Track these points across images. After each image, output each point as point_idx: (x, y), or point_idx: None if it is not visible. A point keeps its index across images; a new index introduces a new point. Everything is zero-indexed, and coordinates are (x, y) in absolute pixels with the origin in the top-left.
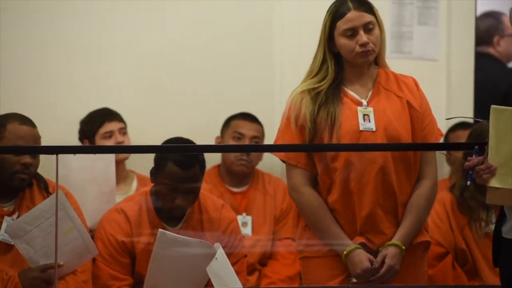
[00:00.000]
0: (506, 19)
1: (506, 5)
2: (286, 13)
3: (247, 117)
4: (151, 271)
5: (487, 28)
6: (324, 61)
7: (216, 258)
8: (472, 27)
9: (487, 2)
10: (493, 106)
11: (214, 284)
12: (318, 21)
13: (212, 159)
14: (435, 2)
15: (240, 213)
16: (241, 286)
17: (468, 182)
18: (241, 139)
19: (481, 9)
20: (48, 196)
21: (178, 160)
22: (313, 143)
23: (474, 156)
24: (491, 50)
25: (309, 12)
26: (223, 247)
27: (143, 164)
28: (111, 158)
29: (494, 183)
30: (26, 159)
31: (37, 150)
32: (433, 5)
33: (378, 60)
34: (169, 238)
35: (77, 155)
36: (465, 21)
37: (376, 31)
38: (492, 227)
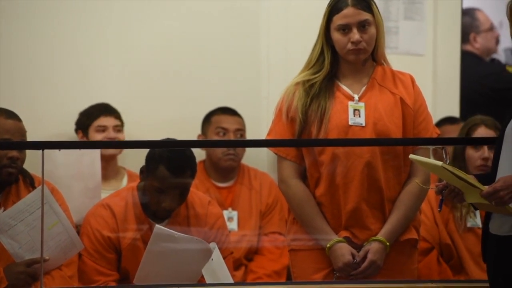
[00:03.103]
0: (481, 15)
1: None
2: (273, 9)
3: (227, 111)
4: (144, 264)
5: (462, 26)
6: (321, 52)
7: (212, 259)
8: (458, 21)
9: None
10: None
11: (207, 281)
12: (304, 17)
13: (196, 156)
14: None
15: (226, 208)
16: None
17: (439, 210)
18: (226, 133)
19: (467, 3)
20: None
21: (170, 165)
22: (303, 135)
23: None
24: (468, 47)
25: (296, 8)
26: (210, 243)
27: (133, 161)
28: (96, 153)
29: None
30: (13, 153)
31: (22, 145)
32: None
33: (376, 57)
34: (166, 234)
35: (62, 150)
36: (451, 16)
37: (371, 30)
38: (476, 220)
